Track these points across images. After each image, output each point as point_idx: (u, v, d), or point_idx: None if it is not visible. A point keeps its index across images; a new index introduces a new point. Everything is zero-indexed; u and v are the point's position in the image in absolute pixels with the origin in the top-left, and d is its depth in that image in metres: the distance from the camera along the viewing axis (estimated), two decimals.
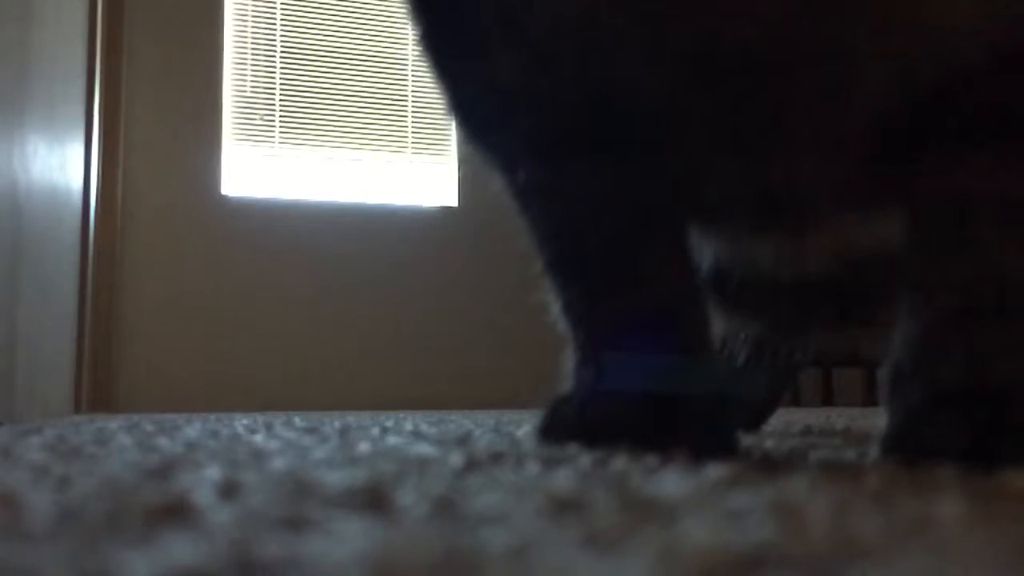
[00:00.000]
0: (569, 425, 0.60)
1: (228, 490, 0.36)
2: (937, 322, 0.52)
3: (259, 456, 0.54)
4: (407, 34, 3.34)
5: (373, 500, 0.33)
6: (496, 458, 0.51)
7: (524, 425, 1.02)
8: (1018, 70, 0.52)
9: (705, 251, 0.71)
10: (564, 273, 0.64)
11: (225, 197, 3.11)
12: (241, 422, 1.22)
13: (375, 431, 0.89)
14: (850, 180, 0.59)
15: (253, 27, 3.21)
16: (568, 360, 0.63)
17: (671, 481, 0.39)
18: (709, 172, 0.60)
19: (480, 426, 1.03)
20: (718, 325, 0.79)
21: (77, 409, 2.31)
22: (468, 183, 3.23)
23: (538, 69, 0.58)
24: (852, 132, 0.55)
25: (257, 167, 3.17)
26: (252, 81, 3.19)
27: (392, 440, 0.72)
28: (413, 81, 3.32)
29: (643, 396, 0.57)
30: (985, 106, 0.53)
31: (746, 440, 0.74)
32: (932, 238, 0.54)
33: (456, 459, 0.49)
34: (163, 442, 0.70)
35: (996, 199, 0.52)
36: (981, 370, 0.50)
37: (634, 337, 0.59)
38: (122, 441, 0.72)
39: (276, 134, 3.18)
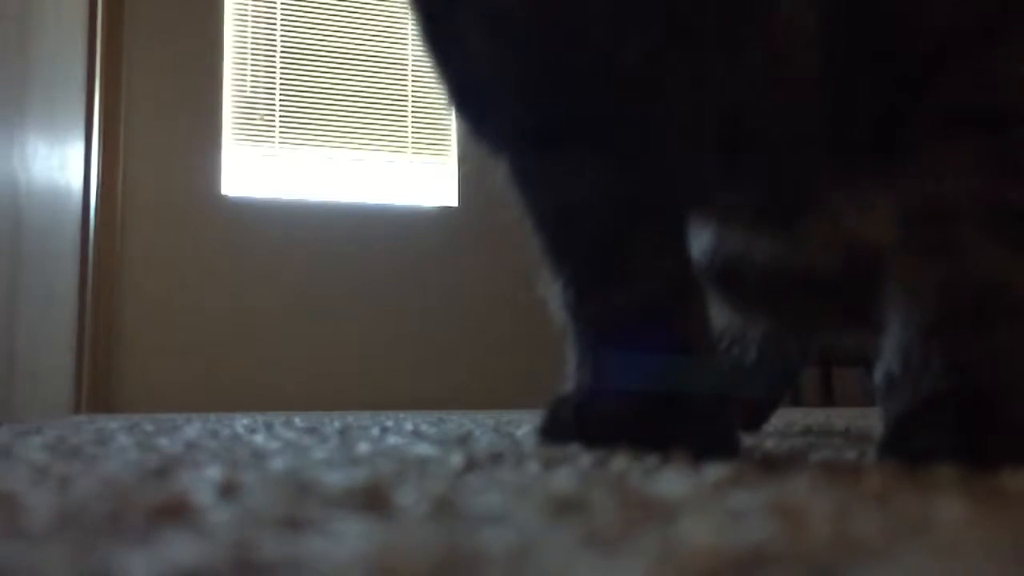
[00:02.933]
0: (570, 425, 0.59)
1: (228, 490, 0.36)
2: (923, 326, 0.52)
3: (259, 456, 0.54)
4: (407, 34, 3.34)
5: (373, 500, 0.33)
6: (496, 458, 0.51)
7: (524, 425, 1.02)
8: (984, 53, 0.52)
9: (704, 240, 0.71)
10: (559, 260, 0.64)
11: (225, 197, 3.11)
12: (241, 422, 1.22)
13: (375, 431, 0.89)
14: (837, 165, 0.59)
15: (253, 27, 3.21)
16: (569, 359, 0.63)
17: (671, 481, 0.39)
18: (688, 143, 0.60)
19: (480, 426, 1.03)
20: (719, 321, 0.78)
21: (77, 409, 2.31)
22: (468, 183, 3.23)
23: (502, 45, 0.59)
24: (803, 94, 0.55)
25: (257, 167, 3.17)
26: (252, 81, 3.19)
27: (392, 440, 0.72)
28: (413, 81, 3.32)
29: (644, 396, 0.56)
30: (961, 99, 0.53)
31: (746, 440, 0.74)
32: (915, 238, 0.54)
33: (456, 459, 0.49)
34: (163, 442, 0.70)
35: (976, 199, 0.52)
36: (966, 374, 0.50)
37: (632, 333, 0.59)
38: (122, 441, 0.72)
39: (276, 134, 3.18)
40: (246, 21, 3.20)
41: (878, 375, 0.54)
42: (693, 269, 0.63)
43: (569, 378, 0.63)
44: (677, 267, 0.61)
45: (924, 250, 0.53)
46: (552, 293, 0.64)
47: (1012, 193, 0.53)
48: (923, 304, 0.53)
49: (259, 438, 0.75)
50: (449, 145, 3.30)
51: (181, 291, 3.03)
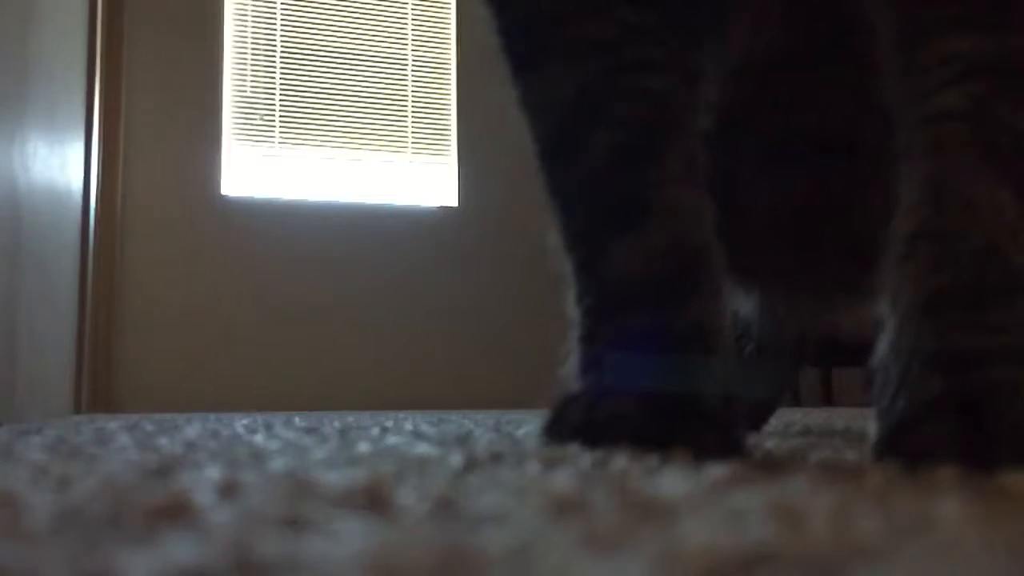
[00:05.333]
0: (576, 425, 0.59)
1: (228, 490, 0.36)
2: (915, 315, 0.50)
3: (259, 456, 0.54)
4: (407, 34, 3.34)
5: (373, 500, 0.33)
6: (496, 458, 0.51)
7: (524, 425, 1.02)
8: None
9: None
10: (562, 198, 0.62)
11: (225, 197, 3.11)
12: (241, 422, 1.22)
13: (375, 431, 0.89)
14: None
15: (253, 27, 3.21)
16: (573, 357, 0.62)
17: (671, 481, 0.39)
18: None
19: (480, 426, 1.03)
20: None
21: (77, 409, 2.31)
22: (468, 183, 3.23)
23: None
24: None
25: (257, 167, 3.17)
26: (252, 81, 3.19)
27: (392, 440, 0.72)
28: (413, 81, 3.32)
29: (651, 397, 0.56)
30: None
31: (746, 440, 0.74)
32: (912, 187, 0.53)
33: (456, 459, 0.49)
34: (163, 442, 0.70)
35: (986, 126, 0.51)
36: (963, 370, 0.49)
37: (642, 325, 0.58)
38: (122, 441, 0.72)
39: (276, 134, 3.18)
40: (246, 21, 3.20)
41: (874, 364, 0.53)
42: (710, 224, 0.60)
43: (574, 377, 0.62)
44: (694, 207, 0.59)
45: (925, 199, 0.51)
46: (560, 255, 0.63)
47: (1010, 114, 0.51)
48: (919, 285, 0.50)
49: (259, 438, 0.75)
50: (449, 145, 3.30)
51: (181, 291, 3.03)
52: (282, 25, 3.23)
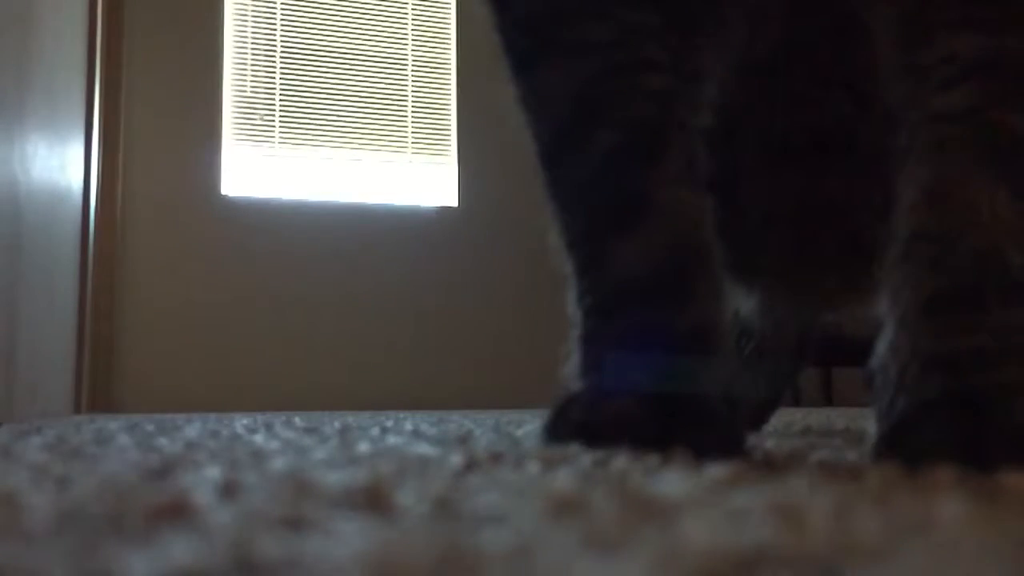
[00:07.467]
0: (576, 425, 0.59)
1: (228, 490, 0.36)
2: (914, 316, 0.51)
3: (259, 456, 0.54)
4: (407, 34, 3.34)
5: (373, 500, 0.33)
6: (496, 458, 0.51)
7: (524, 425, 1.02)
8: None
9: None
10: (562, 197, 0.62)
11: (225, 197, 3.11)
12: (241, 422, 1.22)
13: (375, 431, 0.89)
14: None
15: (253, 27, 3.21)
16: (574, 356, 0.62)
17: (671, 481, 0.39)
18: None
19: (480, 426, 1.03)
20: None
21: (77, 409, 2.31)
22: (468, 183, 3.23)
23: None
24: None
25: (257, 167, 3.17)
26: (252, 81, 3.19)
27: (392, 440, 0.72)
28: (413, 81, 3.32)
29: (652, 397, 0.56)
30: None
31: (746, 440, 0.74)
32: (912, 182, 0.53)
33: (456, 459, 0.49)
34: (163, 442, 0.70)
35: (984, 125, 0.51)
36: (961, 371, 0.49)
37: (642, 325, 0.58)
38: (122, 441, 0.72)
39: (276, 134, 3.18)
40: (246, 21, 3.20)
41: (873, 364, 0.53)
42: (709, 227, 0.60)
43: (575, 377, 0.62)
44: (693, 207, 0.59)
45: (925, 199, 0.51)
46: (560, 253, 0.62)
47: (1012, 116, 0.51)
48: (918, 286, 0.50)
49: (259, 438, 0.75)
50: (449, 145, 3.30)
51: (181, 291, 3.03)
52: (282, 25, 3.23)
